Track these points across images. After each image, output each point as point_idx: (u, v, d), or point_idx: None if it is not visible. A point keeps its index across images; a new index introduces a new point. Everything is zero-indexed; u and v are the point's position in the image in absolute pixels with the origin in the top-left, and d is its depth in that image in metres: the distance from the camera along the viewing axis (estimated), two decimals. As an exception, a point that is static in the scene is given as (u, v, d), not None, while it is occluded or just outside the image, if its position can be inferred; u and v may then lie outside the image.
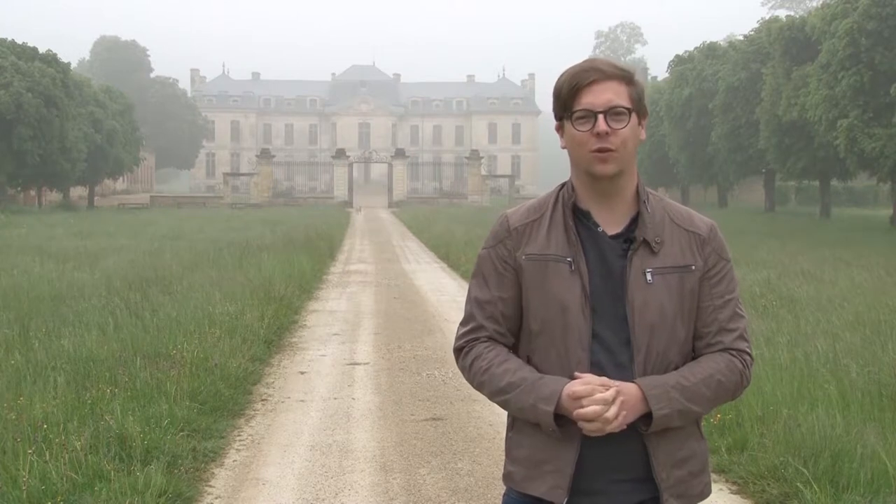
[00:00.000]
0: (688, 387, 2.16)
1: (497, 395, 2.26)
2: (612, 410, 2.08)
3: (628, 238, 2.22)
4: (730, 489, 5.47)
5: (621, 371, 2.18)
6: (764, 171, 48.44)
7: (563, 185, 2.31)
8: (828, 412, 5.97)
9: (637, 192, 2.26)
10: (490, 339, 2.31)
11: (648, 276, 2.19)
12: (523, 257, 2.26)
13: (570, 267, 2.20)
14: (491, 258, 2.32)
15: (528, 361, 2.27)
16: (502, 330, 2.31)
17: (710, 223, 2.30)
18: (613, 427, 2.10)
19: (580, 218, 2.25)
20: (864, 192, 60.38)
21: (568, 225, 2.23)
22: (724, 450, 5.90)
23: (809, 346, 8.37)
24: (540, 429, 2.21)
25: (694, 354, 2.28)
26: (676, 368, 2.22)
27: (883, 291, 12.99)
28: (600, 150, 2.15)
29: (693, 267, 2.23)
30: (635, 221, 2.23)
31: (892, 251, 21.95)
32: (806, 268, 16.90)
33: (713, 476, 5.59)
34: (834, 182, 46.21)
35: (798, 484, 5.09)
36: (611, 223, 2.23)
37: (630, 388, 2.13)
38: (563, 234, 2.23)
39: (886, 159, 30.88)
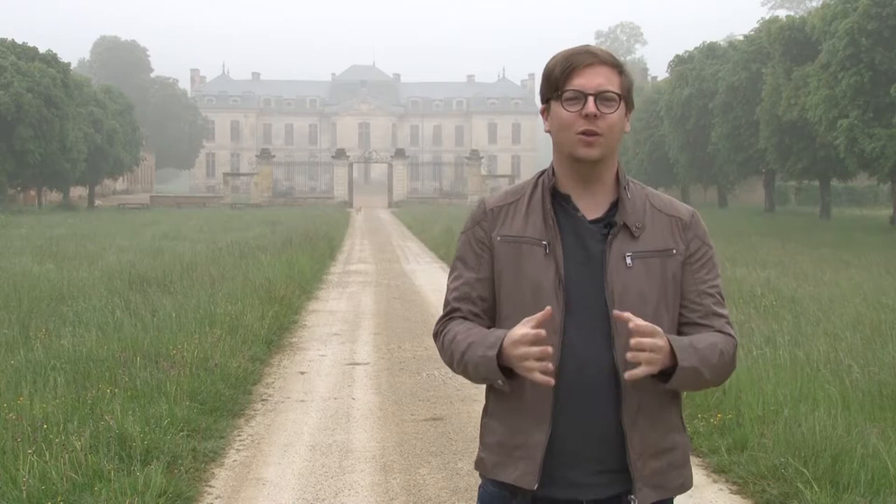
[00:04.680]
0: (699, 348, 2.13)
1: (461, 360, 2.19)
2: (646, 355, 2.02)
3: (609, 223, 2.19)
4: (730, 489, 5.46)
5: (598, 355, 2.14)
6: (764, 171, 48.38)
7: (542, 172, 2.30)
8: (828, 412, 5.97)
9: (617, 178, 2.24)
10: (464, 318, 2.27)
11: (628, 261, 2.16)
12: (498, 238, 2.24)
13: (546, 250, 2.17)
14: (469, 240, 2.30)
15: None
16: (477, 310, 2.27)
17: (692, 209, 2.29)
18: (637, 373, 2.04)
19: (559, 202, 2.23)
20: (864, 192, 60.34)
21: (546, 208, 2.21)
22: (724, 450, 5.90)
23: (810, 346, 8.37)
24: (509, 410, 2.19)
25: None
26: None
27: (883, 291, 12.99)
28: (586, 133, 2.13)
29: (674, 251, 2.21)
30: (615, 206, 2.21)
31: (892, 251, 21.94)
32: (806, 268, 16.91)
33: (713, 476, 5.63)
34: (834, 182, 46.19)
35: (798, 484, 5.08)
36: (591, 208, 2.21)
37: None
38: (540, 218, 2.21)
39: (886, 159, 30.85)
